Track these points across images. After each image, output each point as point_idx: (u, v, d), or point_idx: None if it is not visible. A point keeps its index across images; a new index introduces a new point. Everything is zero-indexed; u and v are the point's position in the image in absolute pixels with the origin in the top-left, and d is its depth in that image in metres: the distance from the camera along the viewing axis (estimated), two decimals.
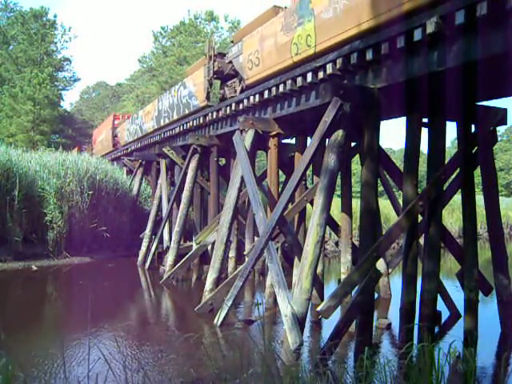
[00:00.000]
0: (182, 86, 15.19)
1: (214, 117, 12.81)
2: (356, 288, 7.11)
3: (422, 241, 7.94)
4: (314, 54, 8.48)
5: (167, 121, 16.79)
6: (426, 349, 3.36)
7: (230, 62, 12.10)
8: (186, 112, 14.82)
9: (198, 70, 13.80)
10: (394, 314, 9.27)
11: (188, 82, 14.63)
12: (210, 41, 13.56)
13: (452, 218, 24.41)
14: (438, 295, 8.20)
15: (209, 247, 13.44)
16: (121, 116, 27.48)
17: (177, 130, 15.80)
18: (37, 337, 8.33)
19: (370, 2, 6.92)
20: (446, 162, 7.90)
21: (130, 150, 22.48)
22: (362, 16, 7.10)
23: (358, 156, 11.16)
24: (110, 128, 26.56)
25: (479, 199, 9.44)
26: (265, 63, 10.15)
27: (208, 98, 13.09)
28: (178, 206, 14.74)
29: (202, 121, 13.67)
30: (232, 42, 12.60)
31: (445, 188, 8.33)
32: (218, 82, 13.37)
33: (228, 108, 11.90)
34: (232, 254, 13.65)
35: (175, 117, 15.90)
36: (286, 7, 10.03)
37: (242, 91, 11.40)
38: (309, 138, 10.71)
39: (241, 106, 11.26)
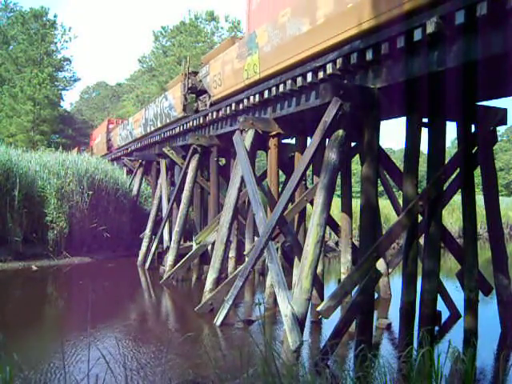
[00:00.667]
0: (164, 98, 17.10)
1: (214, 117, 12.82)
2: (356, 288, 7.11)
3: (422, 241, 7.94)
4: (259, 79, 10.18)
5: (152, 128, 18.67)
6: (426, 349, 3.36)
7: (201, 80, 14.05)
8: (168, 121, 16.70)
9: (176, 85, 15.71)
10: (394, 314, 9.27)
11: (169, 95, 16.52)
12: (186, 61, 15.63)
13: (452, 217, 24.41)
14: (438, 295, 8.20)
15: (209, 247, 13.44)
16: (115, 121, 29.53)
17: (177, 129, 15.82)
18: (37, 337, 8.33)
19: (294, 43, 8.78)
20: (446, 162, 7.89)
21: (129, 150, 22.56)
22: (290, 52, 8.96)
23: (358, 156, 11.17)
24: (105, 132, 28.69)
25: (479, 199, 9.44)
26: (225, 84, 12.03)
27: (185, 109, 14.95)
28: (178, 206, 14.74)
29: (202, 121, 13.67)
30: (202, 63, 14.72)
31: (445, 188, 8.33)
32: (193, 96, 14.96)
33: (228, 108, 11.90)
34: (232, 254, 13.65)
35: (159, 125, 17.80)
36: (240, 38, 11.94)
37: (210, 105, 13.29)
38: (309, 138, 10.72)
39: (241, 106, 11.26)
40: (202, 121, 13.68)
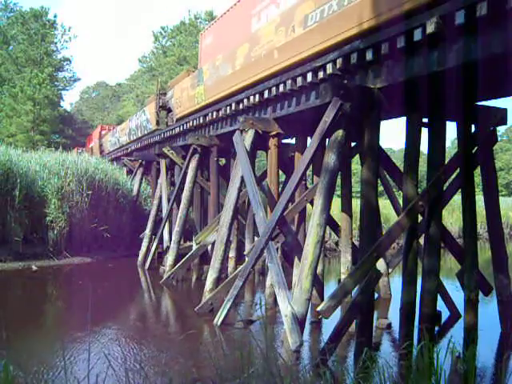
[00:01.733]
0: (143, 112, 20.28)
1: (214, 117, 12.82)
2: (356, 288, 7.11)
3: (422, 241, 7.94)
4: (205, 104, 13.17)
5: (134, 137, 21.88)
6: (426, 349, 3.36)
7: (168, 101, 17.14)
8: (145, 132, 19.70)
9: (152, 103, 18.78)
10: (394, 314, 9.27)
11: (146, 111, 19.62)
12: (158, 83, 19.33)
13: (452, 217, 24.40)
14: (438, 295, 8.20)
15: (209, 247, 13.44)
16: (107, 127, 32.96)
17: (177, 129, 15.83)
18: (37, 337, 8.33)
19: (224, 81, 11.59)
20: (446, 162, 7.90)
21: (129, 150, 22.64)
22: (222, 87, 11.80)
23: (358, 156, 11.17)
24: (98, 138, 32.20)
25: (479, 199, 9.44)
26: (183, 106, 15.20)
27: (158, 123, 17.94)
28: (178, 206, 14.74)
29: (202, 121, 13.68)
30: (168, 86, 18.20)
31: (445, 188, 8.34)
32: (165, 112, 17.77)
33: (228, 108, 11.91)
34: (232, 254, 13.65)
35: (139, 135, 20.99)
36: (193, 71, 15.22)
37: (176, 121, 16.13)
38: (309, 138, 10.71)
39: (241, 106, 11.26)
40: (201, 121, 13.69)
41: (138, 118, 21.04)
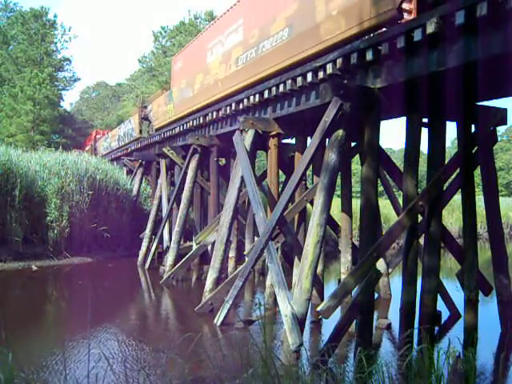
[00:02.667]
0: (129, 121, 23.81)
1: (214, 117, 12.82)
2: (356, 288, 7.11)
3: (422, 241, 7.94)
4: (174, 119, 16.19)
5: (122, 143, 24.93)
6: (426, 349, 3.36)
7: (148, 113, 20.48)
8: (131, 139, 22.74)
9: (136, 114, 22.28)
10: (394, 314, 9.28)
11: (131, 120, 23.16)
12: (141, 98, 23.88)
13: (452, 217, 24.40)
14: (438, 295, 8.20)
15: (209, 247, 13.44)
16: (101, 132, 36.29)
17: (177, 129, 15.84)
18: (37, 336, 8.33)
19: (187, 102, 14.85)
20: (446, 162, 7.90)
21: (130, 150, 22.69)
22: (185, 106, 15.00)
23: (358, 156, 11.17)
24: (93, 141, 35.35)
25: (479, 199, 9.44)
26: (159, 119, 18.38)
27: (140, 132, 21.37)
28: (178, 206, 14.74)
29: (202, 121, 13.68)
30: (150, 102, 21.02)
31: (445, 188, 8.34)
32: (147, 123, 21.10)
33: (228, 108, 11.91)
34: (232, 254, 13.65)
35: (126, 141, 23.89)
36: (167, 90, 18.13)
37: (155, 131, 18.86)
38: (309, 138, 10.71)
39: (241, 106, 11.26)
40: (202, 121, 13.68)
41: (126, 126, 24.44)
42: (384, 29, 6.91)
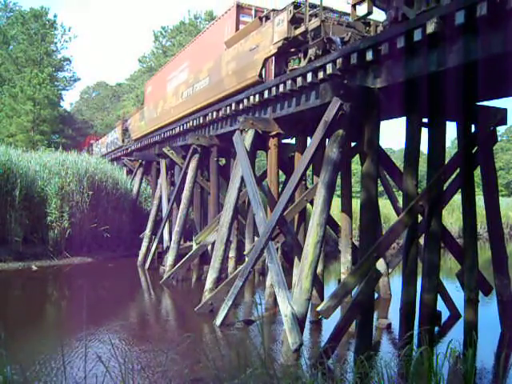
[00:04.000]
0: (114, 131, 28.08)
1: (214, 117, 12.82)
2: (356, 288, 7.11)
3: (422, 241, 7.94)
4: (147, 133, 19.86)
5: (109, 150, 28.41)
6: (426, 349, 3.36)
7: (128, 126, 24.66)
8: (116, 147, 26.71)
9: (119, 125, 26.53)
10: (394, 314, 9.27)
11: (116, 130, 27.29)
12: (122, 113, 27.92)
13: (452, 217, 24.40)
14: (438, 295, 8.20)
15: (209, 247, 13.44)
16: (94, 138, 38.64)
17: (177, 129, 15.83)
18: (37, 336, 8.33)
19: (153, 121, 18.97)
20: (446, 162, 7.89)
21: (130, 150, 22.71)
22: (152, 124, 18.94)
23: (358, 156, 11.16)
24: (86, 146, 37.19)
25: (479, 199, 9.43)
26: (135, 132, 22.52)
27: (123, 141, 25.13)
28: (178, 206, 14.74)
29: (202, 121, 13.67)
30: (130, 116, 25.24)
31: (445, 188, 8.33)
32: (128, 134, 24.49)
33: (228, 108, 11.91)
34: (232, 254, 13.65)
35: (112, 148, 27.66)
36: (141, 108, 22.20)
37: (134, 141, 22.50)
38: (309, 138, 10.71)
39: (241, 106, 11.26)
40: (202, 121, 13.68)
41: (112, 135, 28.59)
42: (254, 86, 10.64)
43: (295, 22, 9.45)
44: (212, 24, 14.67)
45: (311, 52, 9.12)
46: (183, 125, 15.17)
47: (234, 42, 11.79)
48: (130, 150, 20.27)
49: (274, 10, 10.88)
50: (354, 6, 7.64)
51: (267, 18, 11.03)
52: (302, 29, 9.22)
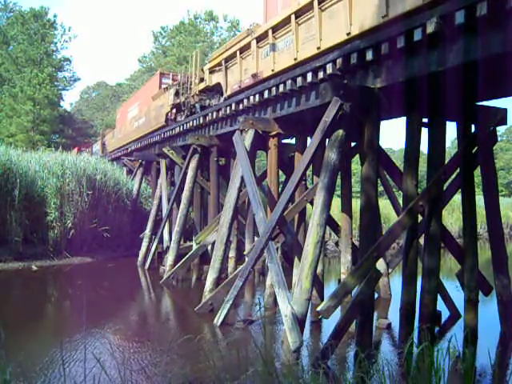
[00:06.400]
0: (96, 143, 35.55)
1: (214, 117, 12.82)
2: (356, 288, 7.11)
3: (422, 241, 7.94)
4: (116, 148, 27.00)
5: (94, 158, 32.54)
6: (426, 349, 3.36)
7: (105, 141, 31.65)
8: (99, 156, 27.55)
9: (100, 140, 34.31)
10: (394, 314, 9.27)
11: (98, 143, 35.01)
12: (102, 129, 36.95)
13: (452, 217, 24.40)
14: (438, 295, 8.20)
15: (209, 247, 13.43)
16: (85, 146, 41.99)
17: (177, 129, 15.83)
18: (36, 336, 8.33)
19: (120, 140, 26.63)
20: (446, 162, 7.89)
21: (130, 150, 22.71)
22: (120, 142, 26.39)
23: (358, 156, 11.16)
24: (78, 151, 42.03)
25: (479, 199, 9.43)
26: (109, 146, 29.75)
27: (102, 151, 31.51)
28: (178, 206, 14.74)
29: (201, 121, 13.67)
30: (109, 131, 32.27)
31: (445, 188, 8.33)
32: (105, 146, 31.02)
33: (228, 108, 11.91)
34: (232, 254, 13.64)
35: (96, 157, 30.31)
36: (114, 128, 30.42)
37: (110, 152, 28.20)
38: (309, 138, 10.71)
39: (241, 106, 11.26)
40: (202, 121, 13.68)
41: (95, 146, 35.79)
42: (161, 129, 17.73)
43: (177, 94, 16.45)
44: (149, 79, 24.23)
45: (186, 112, 15.69)
46: (183, 125, 15.17)
47: (155, 98, 19.22)
48: (151, 141, 19.75)
49: (169, 85, 17.65)
50: (201, 79, 14.21)
51: (166, 89, 17.72)
52: (179, 99, 16.27)
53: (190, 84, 15.38)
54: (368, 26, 7.11)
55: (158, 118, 18.11)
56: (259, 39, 10.40)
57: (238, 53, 11.50)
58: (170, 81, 18.63)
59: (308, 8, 8.54)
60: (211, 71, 13.45)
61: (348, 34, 7.52)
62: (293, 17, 9.00)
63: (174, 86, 16.69)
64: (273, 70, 9.87)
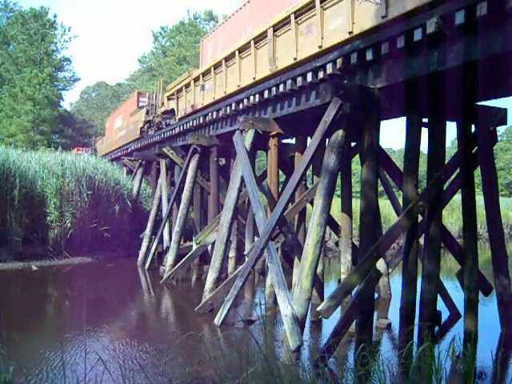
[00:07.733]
0: (90, 148, 37.60)
1: (214, 117, 12.82)
2: (356, 288, 7.11)
3: (422, 241, 7.94)
4: (105, 153, 30.36)
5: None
6: (426, 349, 3.36)
7: (96, 146, 36.16)
8: None
9: (93, 145, 37.60)
10: (394, 314, 9.27)
11: (91, 148, 37.09)
12: (95, 138, 39.78)
13: (452, 218, 24.40)
14: (438, 295, 8.20)
15: (209, 247, 13.43)
16: (82, 149, 43.57)
17: (177, 129, 15.83)
18: (36, 336, 8.33)
19: (109, 146, 31.09)
20: (446, 162, 7.89)
21: (129, 150, 22.73)
22: (109, 148, 30.44)
23: (358, 156, 11.16)
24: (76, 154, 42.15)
25: (479, 199, 9.43)
26: (101, 152, 32.60)
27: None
28: (178, 206, 14.74)
29: (201, 121, 13.67)
30: (100, 139, 36.79)
31: (445, 188, 8.33)
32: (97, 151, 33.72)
33: (228, 108, 11.91)
34: (232, 254, 13.64)
35: None
36: (104, 136, 35.91)
37: (101, 157, 26.87)
38: (309, 138, 10.71)
39: (241, 106, 11.26)
40: (201, 121, 13.68)
41: (88, 151, 36.50)
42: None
43: (148, 113, 20.21)
44: (129, 98, 29.29)
45: (154, 127, 19.27)
46: (183, 125, 15.17)
47: (132, 114, 23.21)
48: (151, 141, 20.26)
49: (143, 105, 21.63)
50: (163, 103, 17.83)
51: (141, 108, 21.68)
52: (149, 117, 20.09)
53: (156, 107, 19.42)
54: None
55: (135, 130, 21.97)
56: (195, 80, 14.37)
57: (183, 88, 15.61)
58: (147, 99, 21.32)
59: (219, 64, 12.40)
60: (169, 98, 17.50)
61: (238, 86, 11.43)
62: (212, 68, 12.87)
63: (146, 106, 20.74)
64: (202, 104, 13.75)
